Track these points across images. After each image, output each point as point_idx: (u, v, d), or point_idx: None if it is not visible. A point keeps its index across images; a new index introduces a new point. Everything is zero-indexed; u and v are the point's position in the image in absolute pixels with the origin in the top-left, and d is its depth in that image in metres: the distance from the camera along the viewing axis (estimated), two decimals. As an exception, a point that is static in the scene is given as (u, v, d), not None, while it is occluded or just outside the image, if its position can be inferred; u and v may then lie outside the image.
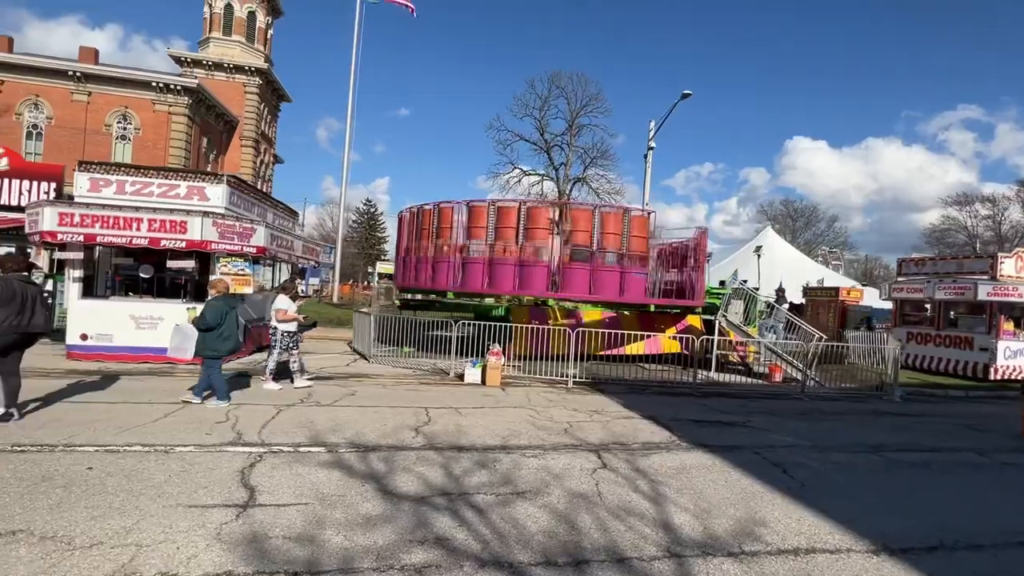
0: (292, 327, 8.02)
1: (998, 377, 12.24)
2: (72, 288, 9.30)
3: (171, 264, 9.15)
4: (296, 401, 7.03)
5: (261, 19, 44.25)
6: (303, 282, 30.99)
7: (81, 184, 9.27)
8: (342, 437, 5.41)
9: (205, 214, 9.07)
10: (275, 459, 4.64)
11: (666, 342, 14.70)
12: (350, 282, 44.61)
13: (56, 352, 9.34)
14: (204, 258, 9.59)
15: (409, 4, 30.84)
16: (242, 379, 8.37)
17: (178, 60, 40.88)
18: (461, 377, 9.57)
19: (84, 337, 9.24)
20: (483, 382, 9.30)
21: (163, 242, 8.92)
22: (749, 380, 11.77)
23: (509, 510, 3.85)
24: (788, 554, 3.44)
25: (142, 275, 9.59)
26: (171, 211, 9.02)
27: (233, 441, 5.06)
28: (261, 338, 11.97)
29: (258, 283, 8.82)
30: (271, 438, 5.23)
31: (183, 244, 8.97)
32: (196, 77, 39.77)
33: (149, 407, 6.17)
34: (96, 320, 9.26)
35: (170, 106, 35.18)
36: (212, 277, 6.96)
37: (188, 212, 9.04)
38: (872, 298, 23.35)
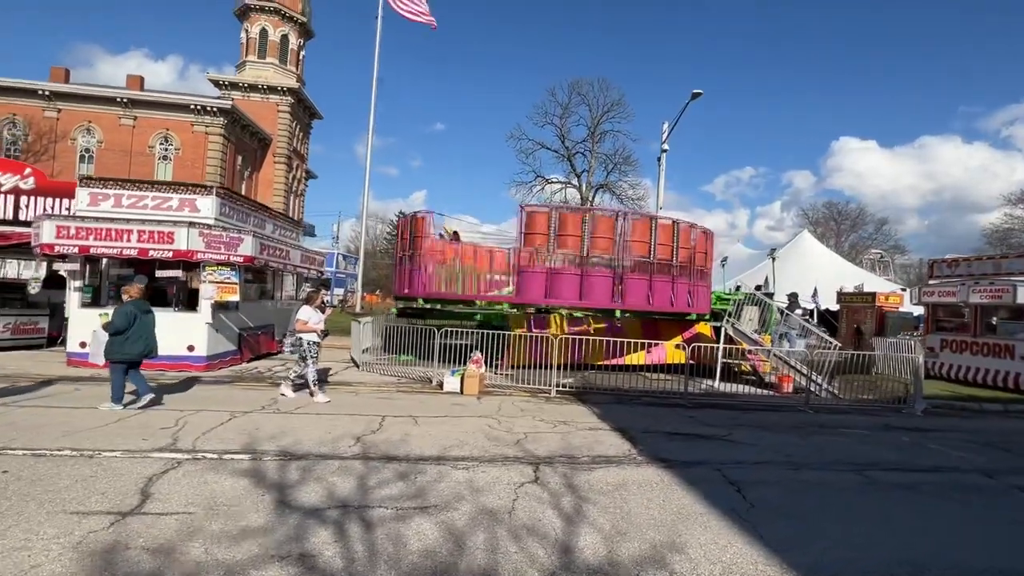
0: (314, 337, 7.90)
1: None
2: (72, 297, 9.75)
3: (159, 273, 9.45)
4: (258, 408, 7.03)
5: (293, 41, 46.21)
6: (328, 292, 31.83)
7: (82, 199, 9.74)
8: (277, 445, 5.32)
9: (191, 224, 9.33)
10: (192, 466, 4.58)
11: (671, 351, 14.08)
12: (376, 292, 45.41)
13: (60, 360, 9.80)
14: (194, 267, 9.85)
15: (430, 19, 31.36)
16: (216, 385, 8.48)
17: (216, 83, 43.16)
18: (441, 386, 9.40)
19: (83, 345, 9.62)
20: (462, 391, 9.10)
21: (151, 252, 9.24)
22: (757, 391, 11.04)
23: (400, 525, 3.61)
24: (691, 585, 3.04)
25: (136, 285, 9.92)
26: (159, 222, 9.35)
27: (164, 447, 5.05)
28: (259, 346, 12.24)
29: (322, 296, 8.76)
30: (204, 445, 5.20)
31: (170, 254, 9.25)
32: (232, 99, 41.86)
33: (109, 412, 6.29)
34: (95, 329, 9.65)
35: (207, 127, 37.13)
36: (128, 285, 7.10)
37: (175, 223, 9.33)
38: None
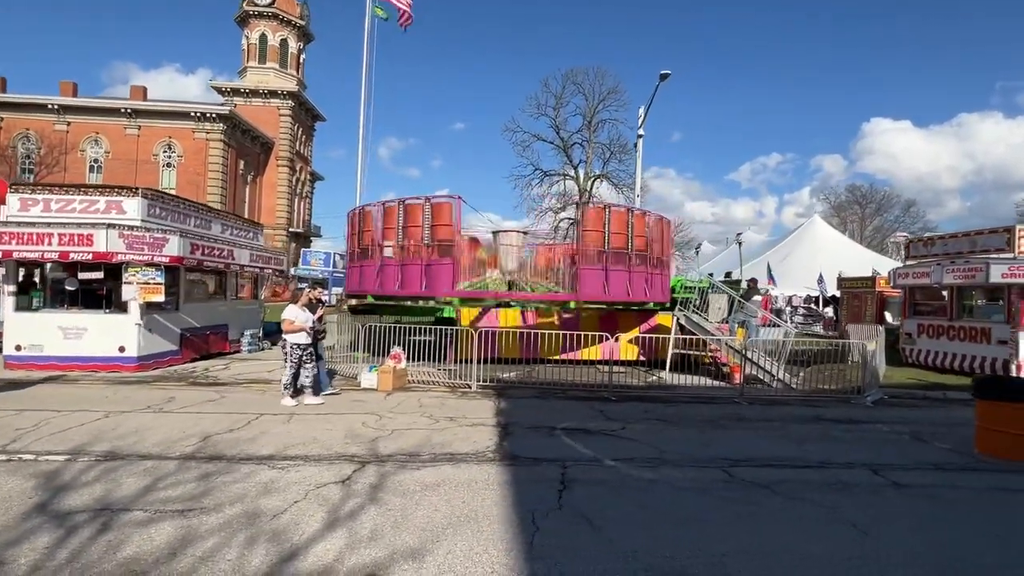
0: (301, 338, 7.45)
1: (1022, 374, 10.09)
2: (7, 302, 9.96)
3: (81, 276, 9.55)
4: (143, 407, 6.98)
5: (293, 45, 46.85)
6: (325, 291, 32.13)
7: (12, 205, 9.92)
8: (112, 446, 5.21)
9: (109, 226, 9.39)
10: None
11: (625, 345, 13.59)
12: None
13: (-2, 363, 10.05)
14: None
15: (407, 12, 31.02)
16: (132, 385, 8.49)
17: (219, 90, 44.16)
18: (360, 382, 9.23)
19: (18, 348, 9.85)
20: (378, 387, 8.91)
21: (72, 255, 9.34)
22: (710, 383, 10.47)
23: (137, 529, 3.41)
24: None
25: (67, 287, 10.09)
26: (79, 225, 9.43)
27: (-8, 448, 5.01)
28: (207, 346, 12.31)
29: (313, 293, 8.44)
30: (36, 445, 5.14)
31: (90, 256, 9.33)
32: (235, 104, 42.73)
33: (-17, 414, 6.33)
34: (29, 331, 9.85)
35: (207, 133, 38.02)
36: None
37: (94, 225, 9.40)
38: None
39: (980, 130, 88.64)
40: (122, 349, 9.89)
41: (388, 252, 11.30)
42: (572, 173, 39.17)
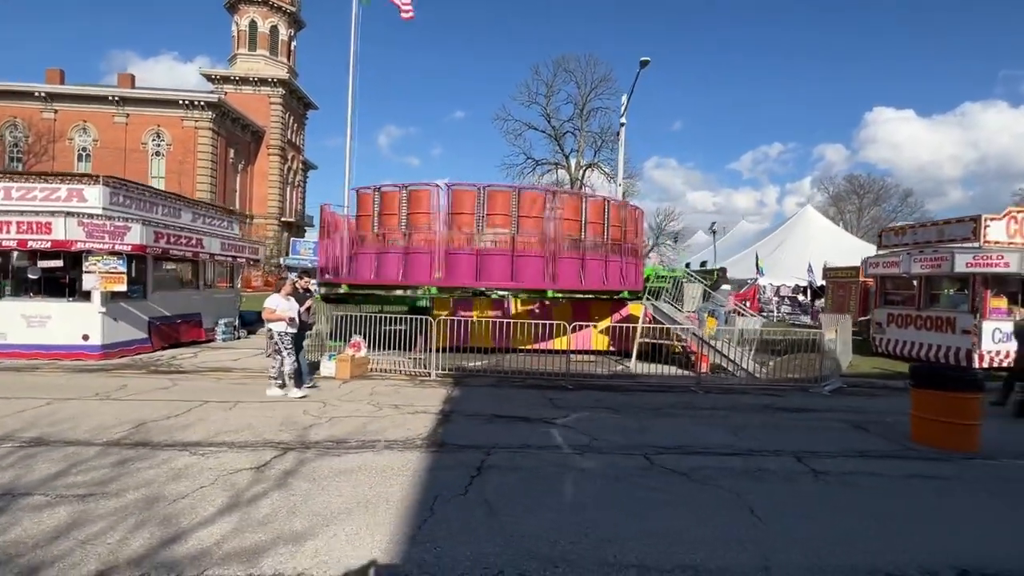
0: (283, 327, 7.28)
1: (984, 365, 10.08)
2: (-31, 290, 9.97)
3: (41, 264, 9.55)
4: (92, 395, 7.02)
5: (283, 32, 46.32)
6: (313, 280, 32.19)
7: (-27, 193, 9.88)
8: (41, 432, 5.25)
9: (68, 214, 9.37)
10: (-85, 453, 4.54)
11: (596, 335, 13.61)
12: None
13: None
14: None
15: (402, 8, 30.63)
16: (90, 373, 8.52)
17: (209, 78, 43.74)
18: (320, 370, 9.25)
19: (-13, 335, 9.88)
20: (336, 375, 8.94)
21: (30, 243, 9.33)
22: (671, 371, 10.47)
23: (29, 514, 3.44)
24: None
25: (30, 276, 10.09)
26: (37, 213, 9.41)
27: (-80, 434, 5.04)
28: (178, 335, 12.33)
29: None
30: (-36, 432, 5.17)
31: (48, 244, 9.32)
32: (225, 92, 42.35)
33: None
34: (-7, 320, 9.88)
35: (196, 121, 37.73)
36: None
37: (52, 213, 9.38)
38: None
39: (984, 119, 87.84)
40: (86, 337, 9.91)
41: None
42: (563, 162, 38.93)
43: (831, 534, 3.54)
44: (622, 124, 19.24)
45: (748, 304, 29.50)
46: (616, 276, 13.02)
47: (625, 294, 13.55)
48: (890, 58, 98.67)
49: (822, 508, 4.00)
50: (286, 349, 7.28)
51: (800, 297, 29.29)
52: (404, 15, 27.98)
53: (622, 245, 13.05)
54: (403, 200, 11.83)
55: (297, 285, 8.08)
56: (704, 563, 3.10)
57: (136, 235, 10.03)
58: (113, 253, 9.76)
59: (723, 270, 13.77)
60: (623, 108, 19.27)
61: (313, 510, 3.66)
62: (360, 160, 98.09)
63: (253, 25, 44.39)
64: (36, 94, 36.02)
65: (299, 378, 7.59)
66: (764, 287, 30.44)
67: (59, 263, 9.56)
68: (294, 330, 7.44)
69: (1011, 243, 10.29)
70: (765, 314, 28.37)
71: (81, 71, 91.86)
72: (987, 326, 10.17)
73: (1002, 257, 9.89)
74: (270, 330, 7.41)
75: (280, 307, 7.35)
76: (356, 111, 18.21)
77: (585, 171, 38.31)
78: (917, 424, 5.95)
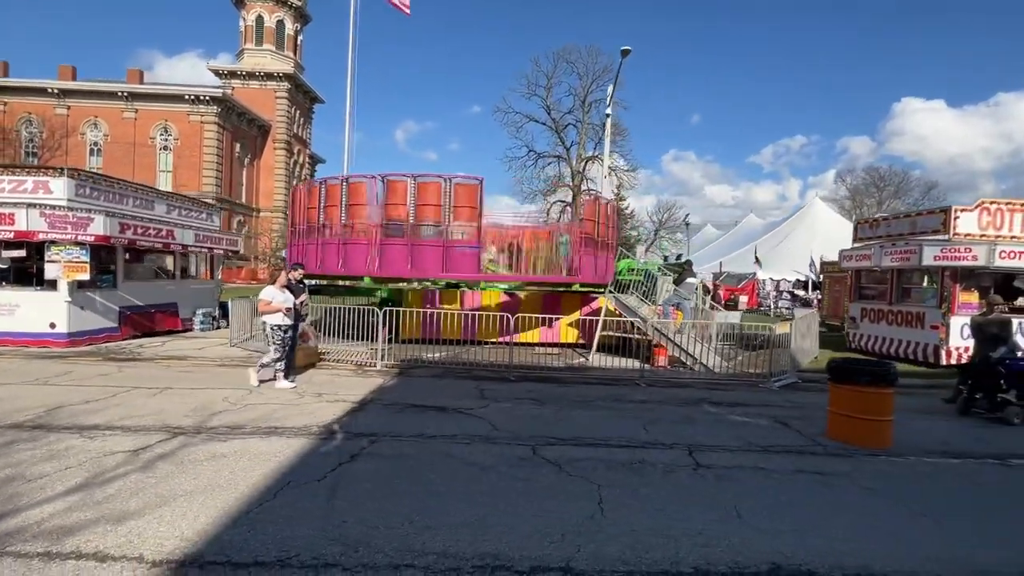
0: (278, 319, 7.31)
1: (952, 361, 9.74)
2: (-56, 279, 10.35)
3: (4, 253, 9.86)
4: (33, 380, 7.25)
5: (290, 27, 46.74)
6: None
7: (-56, 185, 10.24)
8: (-44, 413, 5.45)
9: (30, 205, 9.65)
10: None
11: (565, 327, 13.53)
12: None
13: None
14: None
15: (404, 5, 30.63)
16: (45, 359, 8.79)
17: (217, 73, 44.41)
18: (270, 359, 9.39)
19: (-41, 324, 10.27)
20: (283, 364, 9.06)
21: (-6, 233, 9.64)
22: (631, 364, 10.32)
23: None
24: None
25: (1, 265, 10.44)
26: (1, 204, 9.71)
27: None
28: (151, 324, 12.63)
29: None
30: None
31: (10, 234, 9.63)
32: (233, 87, 42.99)
33: None
34: (-36, 308, 10.26)
35: (202, 116, 38.42)
36: None
37: (15, 204, 9.67)
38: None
39: (1019, 110, 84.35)
40: (53, 325, 10.22)
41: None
42: (564, 155, 38.61)
43: (667, 527, 3.47)
44: (607, 115, 18.97)
45: (747, 298, 29.08)
46: (589, 270, 12.89)
47: (576, 287, 13.43)
48: (920, 47, 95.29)
49: (677, 502, 3.92)
50: (276, 341, 7.26)
51: (800, 292, 28.63)
52: (403, 11, 27.90)
53: (595, 239, 12.92)
54: (377, 190, 11.86)
55: (290, 276, 8.02)
56: (507, 552, 3.08)
57: (99, 226, 10.27)
58: (76, 243, 10.04)
59: (688, 263, 13.50)
60: (608, 98, 19.01)
61: (158, 492, 3.74)
62: (377, 155, 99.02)
63: (260, 20, 44.90)
64: (49, 90, 37.09)
65: (281, 371, 7.48)
66: (764, 281, 29.86)
67: (22, 253, 9.86)
68: (290, 322, 7.43)
69: (983, 235, 9.88)
70: (764, 308, 27.87)
71: (109, 68, 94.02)
72: (955, 322, 9.80)
73: (970, 250, 9.51)
74: (264, 323, 7.41)
75: (275, 299, 7.36)
76: (355, 105, 18.34)
77: (586, 164, 37.93)
78: (832, 420, 5.79)
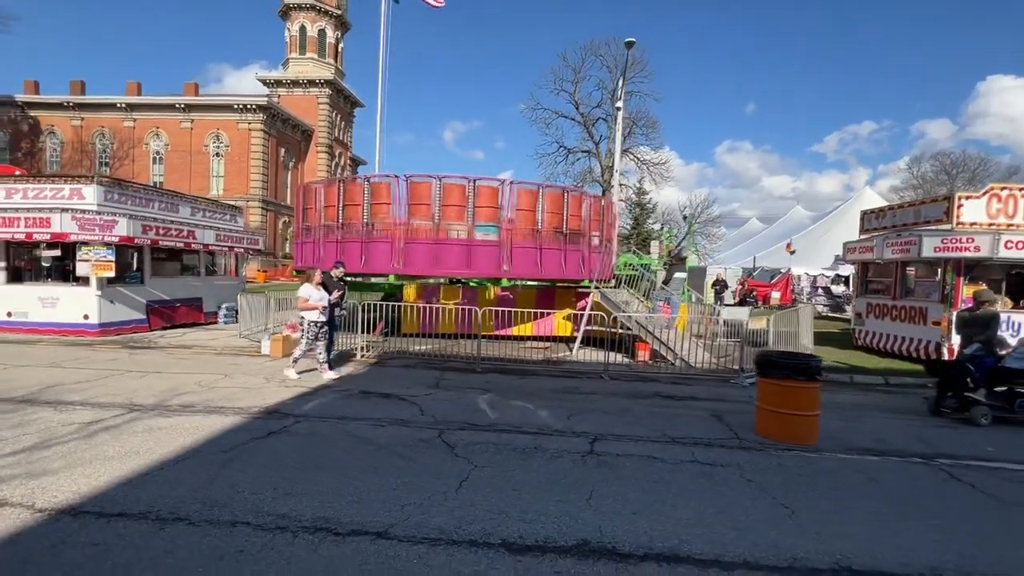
0: (314, 316, 7.73)
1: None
2: (-1, 276, 11.88)
3: (44, 253, 11.17)
4: (47, 364, 8.27)
5: (330, 35, 48.81)
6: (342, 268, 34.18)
7: (0, 193, 11.73)
8: (-31, 388, 6.39)
9: (63, 210, 10.89)
10: None
11: (559, 322, 13.63)
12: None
13: (-2, 326, 12.04)
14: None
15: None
16: (69, 346, 9.94)
17: (265, 82, 47.09)
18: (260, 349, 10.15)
19: (9, 314, 11.76)
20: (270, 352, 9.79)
21: (35, 235, 10.96)
22: (614, 359, 10.30)
23: None
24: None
25: (43, 264, 11.85)
26: (40, 209, 11.02)
27: None
28: (175, 317, 13.85)
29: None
30: (-85, 386, 6.41)
31: (48, 236, 10.92)
32: (279, 95, 45.50)
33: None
34: (16, 301, 11.73)
35: (249, 124, 40.96)
36: None
37: (51, 210, 10.94)
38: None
39: (1121, 84, 74.94)
40: (86, 316, 11.50)
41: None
42: (594, 149, 38.22)
43: (506, 506, 3.66)
44: (618, 109, 18.73)
45: (779, 294, 27.73)
46: (575, 265, 12.94)
47: (597, 284, 13.44)
48: (1009, 16, 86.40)
49: (539, 485, 4.08)
50: (309, 335, 7.75)
51: (841, 288, 26.99)
52: (434, 4, 28.37)
53: (583, 235, 12.97)
54: (366, 191, 12.46)
55: (332, 274, 8.45)
56: (339, 517, 3.39)
57: (123, 228, 11.43)
58: (104, 244, 11.23)
59: (677, 257, 13.20)
60: (620, 91, 18.76)
61: (83, 456, 4.32)
62: (424, 154, 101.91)
63: (303, 30, 47.19)
64: (118, 105, 40.74)
65: (332, 360, 8.03)
66: (799, 276, 28.35)
67: (57, 252, 11.15)
68: (324, 318, 7.84)
69: (992, 224, 9.12)
70: (800, 305, 26.48)
71: (177, 84, 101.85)
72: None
73: (972, 240, 8.81)
74: (302, 318, 7.86)
75: (312, 297, 7.73)
76: (386, 108, 19.11)
77: (615, 158, 37.33)
78: (758, 415, 5.68)
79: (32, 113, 41.24)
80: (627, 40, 15.83)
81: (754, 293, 20.87)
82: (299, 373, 7.85)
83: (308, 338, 7.79)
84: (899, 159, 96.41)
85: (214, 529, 3.21)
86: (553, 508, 3.65)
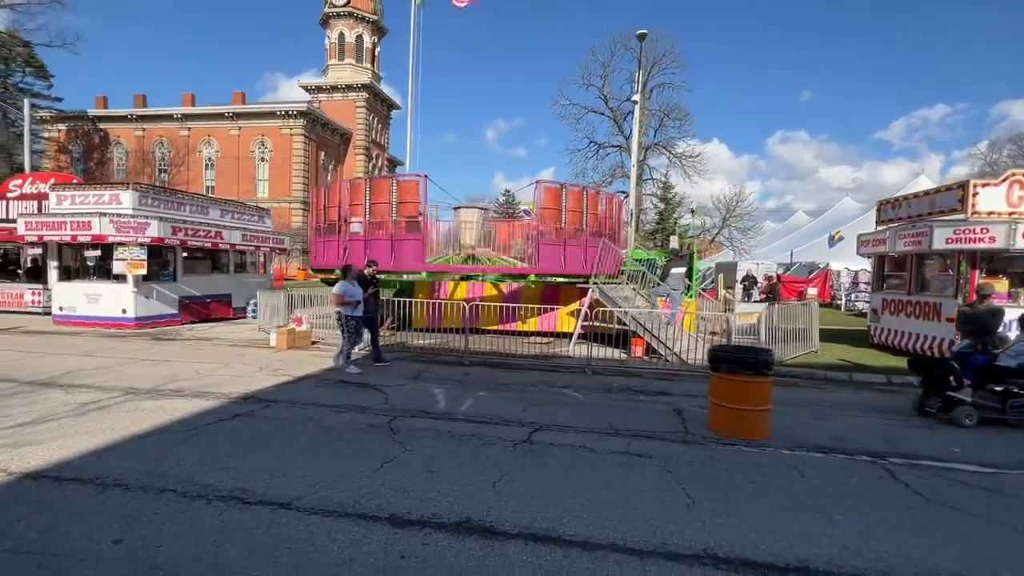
0: (348, 311, 8.04)
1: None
2: (52, 274, 13.23)
3: (87, 253, 12.35)
4: (79, 352, 9.21)
5: (367, 40, 50.39)
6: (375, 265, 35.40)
7: (52, 200, 13.07)
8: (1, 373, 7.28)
9: (102, 214, 12.01)
10: (-89, 380, 6.69)
11: (563, 317, 13.66)
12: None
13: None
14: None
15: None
16: (104, 338, 10.98)
17: (306, 89, 49.25)
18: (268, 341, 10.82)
19: (61, 309, 13.11)
20: (276, 344, 10.43)
21: (79, 237, 12.16)
22: (612, 355, 10.33)
23: (-94, 418, 5.14)
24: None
25: (88, 263, 13.09)
26: (83, 214, 12.19)
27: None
28: (207, 312, 14.93)
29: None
30: (-39, 370, 7.36)
31: (89, 238, 12.07)
32: (319, 101, 47.47)
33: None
34: (66, 297, 13.05)
35: (291, 129, 43.02)
36: None
37: (91, 214, 12.09)
38: None
39: None
40: (124, 311, 12.64)
41: (356, 228, 12.46)
42: (624, 144, 37.61)
43: (412, 486, 3.88)
44: (635, 103, 18.44)
45: (816, 291, 26.35)
46: (593, 261, 12.94)
47: (560, 278, 13.42)
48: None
49: (456, 469, 4.27)
50: (349, 329, 8.11)
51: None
52: (458, 4, 28.67)
53: (600, 232, 13.06)
54: (393, 189, 12.96)
55: (365, 272, 8.93)
56: (257, 489, 3.73)
57: (155, 230, 12.47)
58: (138, 244, 12.30)
59: (674, 252, 12.93)
60: (638, 85, 18.49)
61: (67, 431, 4.90)
62: (466, 153, 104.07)
63: (341, 36, 49.01)
64: (175, 116, 43.83)
65: (378, 353, 8.67)
66: (839, 272, 26.85)
67: (99, 253, 12.31)
68: (359, 314, 8.24)
69: (1013, 213, 8.44)
70: (836, 303, 25.09)
71: (228, 93, 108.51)
72: (972, 313, 8.51)
73: (986, 230, 8.20)
74: (338, 313, 8.24)
75: (347, 292, 8.07)
76: (422, 108, 19.65)
77: (646, 152, 36.62)
78: (711, 410, 5.62)
79: (102, 126, 45.08)
80: (638, 32, 15.58)
81: (778, 289, 19.97)
82: (341, 363, 8.08)
83: (349, 332, 8.07)
84: (976, 143, 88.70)
85: (144, 494, 3.62)
86: (456, 489, 3.84)
